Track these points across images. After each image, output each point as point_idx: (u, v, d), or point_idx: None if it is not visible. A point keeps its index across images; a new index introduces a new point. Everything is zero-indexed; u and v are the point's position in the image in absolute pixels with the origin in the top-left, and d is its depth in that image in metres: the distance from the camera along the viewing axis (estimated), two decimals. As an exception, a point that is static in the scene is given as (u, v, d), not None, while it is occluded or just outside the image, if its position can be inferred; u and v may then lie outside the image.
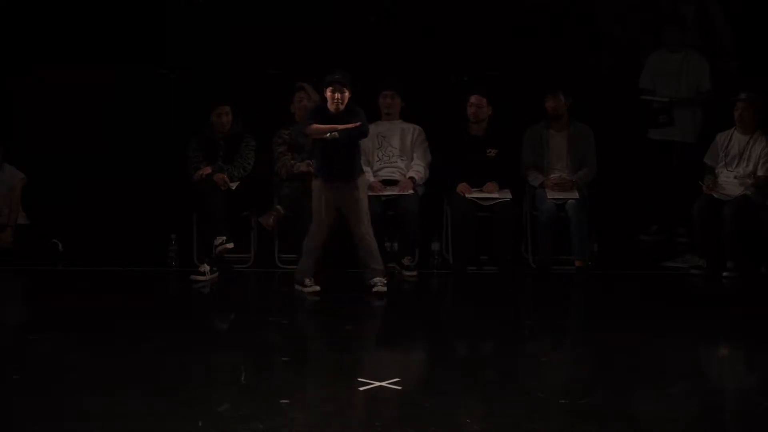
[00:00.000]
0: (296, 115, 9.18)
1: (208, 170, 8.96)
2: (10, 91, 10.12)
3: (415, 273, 8.87)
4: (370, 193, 8.97)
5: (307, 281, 8.26)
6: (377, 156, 9.25)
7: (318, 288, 8.24)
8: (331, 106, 8.12)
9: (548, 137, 9.22)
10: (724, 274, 8.83)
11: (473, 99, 9.11)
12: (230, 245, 8.75)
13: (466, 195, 8.96)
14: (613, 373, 6.40)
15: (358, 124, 8.05)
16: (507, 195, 8.99)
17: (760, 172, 8.99)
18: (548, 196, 8.95)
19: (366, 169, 9.16)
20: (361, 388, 5.95)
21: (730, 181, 9.05)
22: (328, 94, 8.09)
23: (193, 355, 6.68)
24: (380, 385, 5.97)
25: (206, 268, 8.65)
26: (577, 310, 8.51)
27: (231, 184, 8.96)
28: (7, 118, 10.01)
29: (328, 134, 8.04)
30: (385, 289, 8.16)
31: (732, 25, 10.42)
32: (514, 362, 6.77)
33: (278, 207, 8.86)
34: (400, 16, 10.42)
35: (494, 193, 8.99)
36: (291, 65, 10.10)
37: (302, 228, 8.72)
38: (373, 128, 9.28)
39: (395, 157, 9.24)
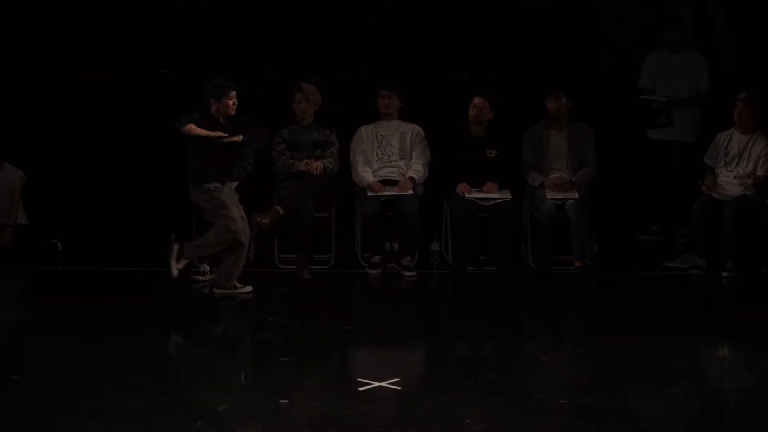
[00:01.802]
0: (296, 115, 9.19)
1: (207, 170, 8.96)
2: (10, 91, 10.11)
3: (414, 273, 8.87)
4: (370, 193, 8.99)
5: (239, 284, 8.12)
6: (377, 156, 9.25)
7: (251, 288, 8.16)
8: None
9: (548, 137, 9.22)
10: (724, 274, 8.83)
11: (476, 101, 9.11)
12: None
13: (466, 195, 8.96)
14: (613, 373, 6.39)
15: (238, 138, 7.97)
16: (507, 195, 8.98)
17: (759, 172, 8.99)
18: (548, 196, 8.95)
19: (365, 169, 9.18)
20: (361, 388, 5.95)
21: (729, 181, 9.05)
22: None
23: (193, 355, 6.68)
24: (380, 385, 5.97)
25: (206, 268, 8.66)
26: (577, 310, 8.51)
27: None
28: (7, 118, 10.01)
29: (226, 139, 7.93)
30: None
31: (732, 24, 10.42)
32: (514, 362, 6.78)
33: (278, 207, 8.87)
34: (400, 16, 10.42)
35: (494, 194, 8.99)
36: (291, 65, 10.11)
37: (302, 228, 8.74)
38: (372, 128, 9.33)
39: (395, 157, 9.24)
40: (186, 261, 8.06)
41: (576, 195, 8.95)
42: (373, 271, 8.94)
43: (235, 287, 8.09)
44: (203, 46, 10.24)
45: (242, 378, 6.41)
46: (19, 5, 10.25)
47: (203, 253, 8.13)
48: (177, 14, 10.38)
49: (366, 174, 9.13)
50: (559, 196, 8.99)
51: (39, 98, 10.20)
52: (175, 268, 7.98)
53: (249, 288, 8.13)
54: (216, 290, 8.10)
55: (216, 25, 10.29)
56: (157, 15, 10.29)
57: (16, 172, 9.47)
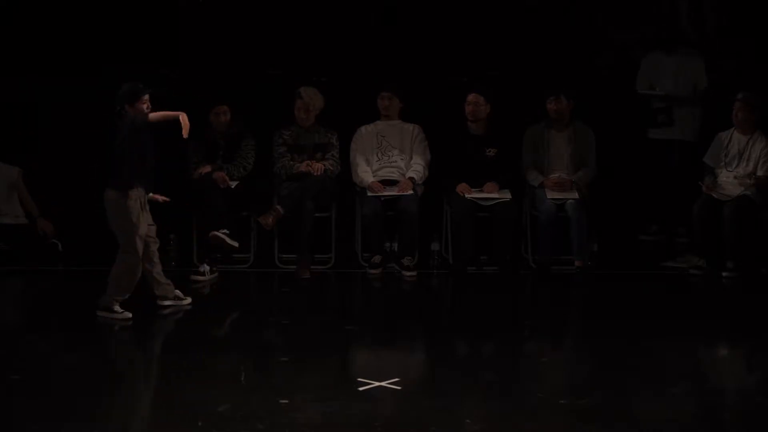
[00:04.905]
0: (296, 118, 9.20)
1: (207, 169, 8.97)
2: (8, 91, 10.10)
3: (414, 273, 8.87)
4: (370, 194, 9.00)
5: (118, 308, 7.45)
6: (377, 156, 9.25)
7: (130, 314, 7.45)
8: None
9: (549, 137, 9.22)
10: (724, 274, 8.83)
11: (471, 97, 9.12)
12: (235, 244, 8.75)
13: (466, 195, 8.96)
14: (613, 373, 6.40)
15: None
16: (507, 195, 8.98)
17: (759, 173, 8.99)
18: (548, 196, 8.95)
19: (365, 169, 9.18)
20: (361, 388, 5.95)
21: (729, 181, 9.05)
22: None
23: (193, 355, 6.68)
24: (380, 385, 5.97)
25: (206, 268, 8.67)
26: (577, 310, 8.51)
27: (230, 183, 8.96)
28: (6, 117, 10.00)
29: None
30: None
31: (720, 14, 10.41)
32: (514, 362, 6.78)
33: (278, 207, 8.88)
34: (401, 16, 10.41)
35: (494, 194, 8.99)
36: (291, 65, 10.10)
37: (302, 228, 8.75)
38: (372, 128, 9.33)
39: (395, 157, 9.24)
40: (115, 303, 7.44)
41: (576, 195, 8.95)
42: (373, 271, 8.94)
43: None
44: (204, 46, 10.23)
45: (242, 378, 6.41)
46: (22, 9, 10.25)
47: (121, 292, 7.42)
48: (177, 14, 10.37)
49: (366, 175, 9.13)
50: (559, 196, 8.99)
51: (38, 98, 10.18)
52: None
53: (185, 299, 7.70)
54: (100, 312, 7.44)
55: (216, 25, 10.28)
56: (157, 15, 10.28)
57: (11, 168, 9.47)
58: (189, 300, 7.79)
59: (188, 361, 6.56)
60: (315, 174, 8.97)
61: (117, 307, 7.43)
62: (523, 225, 9.19)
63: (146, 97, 7.43)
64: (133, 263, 7.42)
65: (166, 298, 7.68)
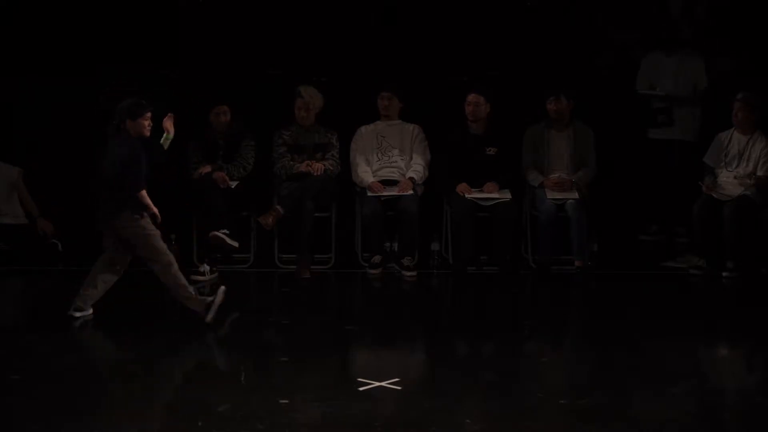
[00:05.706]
0: (297, 117, 9.20)
1: (207, 169, 8.97)
2: (8, 90, 10.10)
3: (414, 273, 8.87)
4: (370, 194, 9.00)
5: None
6: (376, 156, 9.25)
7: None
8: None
9: (549, 137, 9.22)
10: (724, 274, 8.83)
11: (471, 97, 9.12)
12: (235, 244, 8.75)
13: (466, 195, 8.96)
14: (613, 373, 6.40)
15: None
16: (507, 195, 8.98)
17: (759, 173, 8.99)
18: (548, 196, 8.95)
19: (365, 169, 9.19)
20: (361, 388, 5.95)
21: (729, 181, 9.05)
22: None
23: (193, 355, 6.68)
24: (380, 385, 5.97)
25: (206, 268, 8.67)
26: (577, 310, 8.51)
27: (230, 183, 8.96)
28: (6, 117, 10.00)
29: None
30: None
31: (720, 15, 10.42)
32: (514, 362, 6.77)
33: (278, 207, 8.88)
34: (401, 16, 10.41)
35: (494, 194, 8.99)
36: (291, 65, 10.11)
37: (302, 228, 8.75)
38: (372, 128, 9.34)
39: (395, 157, 9.24)
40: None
41: (576, 195, 8.95)
42: (373, 271, 8.94)
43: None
44: (204, 46, 10.23)
45: (242, 378, 6.41)
46: (23, 8, 10.25)
47: (184, 293, 7.35)
48: (177, 14, 10.37)
49: (365, 175, 9.13)
50: (559, 196, 8.99)
51: (38, 98, 10.18)
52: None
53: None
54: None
55: (216, 25, 10.28)
56: (157, 15, 10.27)
57: (12, 168, 9.47)
58: (90, 311, 7.46)
59: (188, 361, 6.56)
60: (315, 174, 8.98)
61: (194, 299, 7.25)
62: (523, 225, 9.19)
63: (148, 114, 7.30)
64: (168, 263, 7.31)
65: (80, 309, 7.41)
